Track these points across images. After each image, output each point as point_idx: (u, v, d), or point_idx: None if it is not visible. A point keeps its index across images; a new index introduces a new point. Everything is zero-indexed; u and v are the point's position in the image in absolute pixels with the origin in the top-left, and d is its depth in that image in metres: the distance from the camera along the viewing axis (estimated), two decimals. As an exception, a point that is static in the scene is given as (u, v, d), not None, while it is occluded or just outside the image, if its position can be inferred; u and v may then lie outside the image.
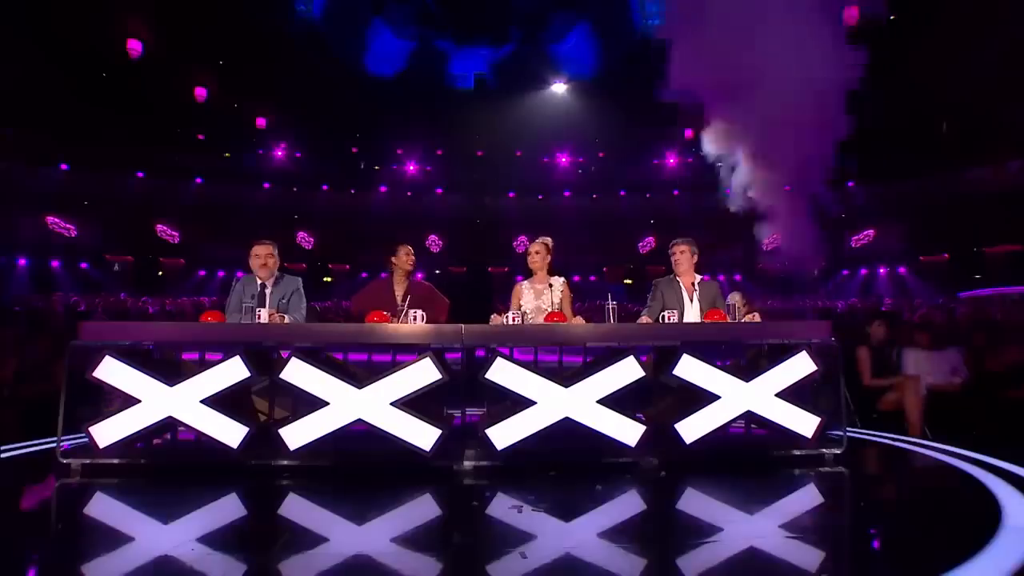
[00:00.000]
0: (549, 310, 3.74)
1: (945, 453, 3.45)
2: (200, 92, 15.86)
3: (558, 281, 3.88)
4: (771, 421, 3.27)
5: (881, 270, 19.87)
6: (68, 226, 18.06)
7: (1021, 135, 16.13)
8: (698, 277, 3.83)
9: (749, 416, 3.26)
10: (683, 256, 3.80)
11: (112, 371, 3.09)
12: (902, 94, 15.51)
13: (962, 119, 16.30)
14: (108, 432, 3.08)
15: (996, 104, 15.14)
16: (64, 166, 17.88)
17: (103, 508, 2.74)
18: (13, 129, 15.42)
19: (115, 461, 3.11)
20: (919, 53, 14.66)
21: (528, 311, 3.73)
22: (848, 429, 3.38)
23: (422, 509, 2.69)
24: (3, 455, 3.42)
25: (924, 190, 18.49)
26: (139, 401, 3.09)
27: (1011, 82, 14.54)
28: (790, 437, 3.26)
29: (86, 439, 3.09)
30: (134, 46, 13.44)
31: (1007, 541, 2.07)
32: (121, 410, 3.09)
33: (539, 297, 3.80)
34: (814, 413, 3.25)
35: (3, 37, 12.29)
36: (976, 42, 14.02)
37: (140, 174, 19.29)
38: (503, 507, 2.63)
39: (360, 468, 3.18)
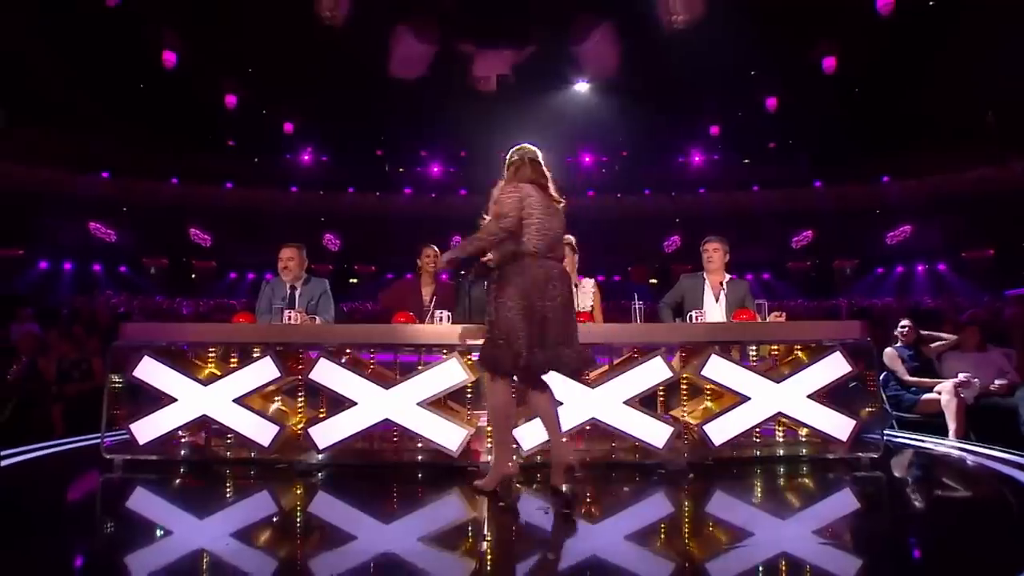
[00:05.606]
0: (580, 311, 3.70)
1: (989, 458, 3.31)
2: (230, 99, 16.32)
3: (588, 283, 3.80)
4: (803, 423, 3.19)
5: (919, 267, 19.13)
6: (109, 231, 18.82)
7: (1071, 125, 15.27)
8: (727, 276, 3.75)
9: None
10: (716, 254, 3.73)
11: (150, 370, 3.21)
12: (943, 84, 14.85)
13: (1008, 109, 15.50)
14: (147, 429, 3.20)
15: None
16: (105, 174, 18.62)
17: (143, 502, 2.84)
18: (60, 139, 16.16)
19: (154, 457, 3.22)
20: (962, 40, 13.99)
21: None
22: (886, 432, 3.27)
23: (449, 509, 2.71)
24: (51, 450, 3.58)
25: (965, 184, 17.71)
26: (175, 399, 3.20)
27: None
28: (823, 440, 3.17)
29: (127, 435, 3.22)
30: (169, 58, 13.93)
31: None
32: (159, 408, 3.21)
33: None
34: (848, 415, 3.16)
35: (54, 59, 13.05)
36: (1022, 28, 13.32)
37: (174, 180, 19.96)
38: (530, 508, 2.62)
39: (388, 467, 3.22)
